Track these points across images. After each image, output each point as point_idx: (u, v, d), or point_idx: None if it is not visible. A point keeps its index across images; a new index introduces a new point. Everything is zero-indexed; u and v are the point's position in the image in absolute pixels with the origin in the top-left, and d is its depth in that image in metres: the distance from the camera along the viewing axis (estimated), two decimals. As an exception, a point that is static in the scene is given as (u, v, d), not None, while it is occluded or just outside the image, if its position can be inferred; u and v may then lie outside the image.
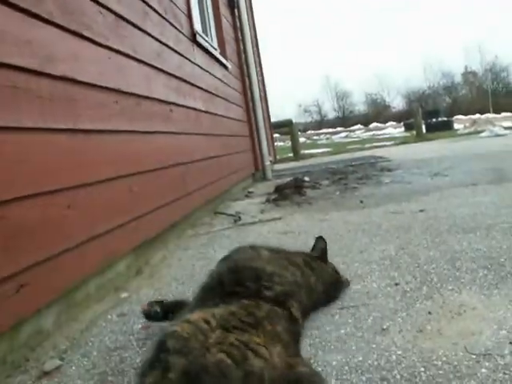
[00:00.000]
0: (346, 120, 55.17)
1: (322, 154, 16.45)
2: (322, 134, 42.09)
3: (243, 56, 7.92)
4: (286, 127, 14.73)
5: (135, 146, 3.07)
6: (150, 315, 2.00)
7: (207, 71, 5.41)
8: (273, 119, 14.38)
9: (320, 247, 2.20)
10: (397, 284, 2.18)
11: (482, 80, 55.55)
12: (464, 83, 58.17)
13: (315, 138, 39.27)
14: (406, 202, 4.25)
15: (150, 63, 3.47)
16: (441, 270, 2.29)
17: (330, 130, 44.10)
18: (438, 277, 2.20)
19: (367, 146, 18.96)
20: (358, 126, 44.01)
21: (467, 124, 28.70)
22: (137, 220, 2.92)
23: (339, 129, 44.40)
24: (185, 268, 2.92)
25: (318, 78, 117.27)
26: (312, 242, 3.14)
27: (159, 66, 3.67)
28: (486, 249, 2.51)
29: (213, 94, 5.60)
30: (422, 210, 3.70)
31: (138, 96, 3.19)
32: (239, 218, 4.30)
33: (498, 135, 12.51)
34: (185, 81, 4.39)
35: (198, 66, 5.00)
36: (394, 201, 4.37)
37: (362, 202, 4.55)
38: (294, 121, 15.69)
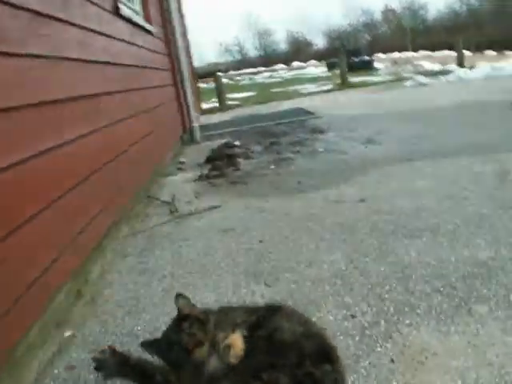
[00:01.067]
0: (268, 59, 54.59)
1: (247, 100, 16.28)
2: (244, 74, 41.57)
3: (166, 15, 7.52)
4: (211, 77, 14.38)
5: (65, 159, 2.82)
6: (100, 365, 1.82)
7: (133, 43, 5.07)
8: (194, 61, 13.98)
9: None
10: (353, 316, 2.15)
11: (400, 17, 56.10)
12: (383, 20, 58.64)
13: (238, 78, 38.74)
14: (344, 183, 4.24)
15: (73, 58, 3.18)
16: (394, 294, 2.28)
17: (253, 69, 43.65)
18: (394, 305, 2.18)
19: (291, 89, 18.93)
20: (281, 65, 43.81)
21: (388, 64, 29.19)
22: (74, 241, 2.74)
23: (262, 68, 44.03)
24: (127, 288, 2.78)
25: (238, 15, 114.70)
26: (256, 246, 3.11)
27: (84, 57, 3.38)
28: (436, 262, 2.53)
29: (139, 66, 5.29)
30: (362, 200, 3.69)
31: (62, 101, 2.90)
32: (176, 209, 4.14)
33: (421, 84, 12.75)
34: (110, 63, 4.09)
35: (124, 40, 4.67)
36: (332, 182, 4.34)
37: (299, 183, 4.49)
38: (215, 60, 15.46)
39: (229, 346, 1.60)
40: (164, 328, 1.92)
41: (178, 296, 1.84)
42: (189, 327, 1.75)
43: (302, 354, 1.52)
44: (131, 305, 2.56)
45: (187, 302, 1.84)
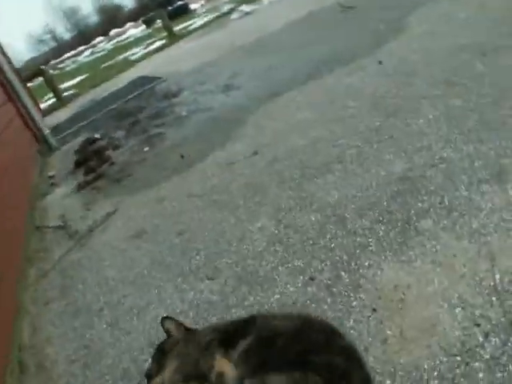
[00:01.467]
0: (84, 36, 52.07)
1: (82, 85, 15.43)
2: (66, 59, 39.42)
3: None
4: (37, 75, 13.43)
5: None
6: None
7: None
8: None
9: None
10: (312, 279, 2.07)
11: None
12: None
13: (61, 65, 36.68)
14: (228, 141, 4.10)
15: None
16: (339, 240, 2.23)
17: (73, 52, 41.42)
18: (344, 252, 2.14)
19: (120, 58, 18.20)
20: (99, 38, 41.95)
21: (203, 2, 28.88)
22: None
23: (81, 48, 41.81)
24: (69, 338, 2.49)
25: (41, 2, 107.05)
26: (176, 240, 2.93)
27: None
28: (360, 193, 2.51)
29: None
30: (255, 153, 3.58)
31: None
32: (74, 231, 3.78)
33: (247, 13, 12.68)
34: None
35: None
36: (214, 144, 4.17)
37: (183, 156, 4.29)
38: (31, 55, 14.38)
39: (221, 374, 1.48)
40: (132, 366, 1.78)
41: (163, 319, 1.75)
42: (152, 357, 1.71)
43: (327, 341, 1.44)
44: (84, 355, 2.31)
45: (172, 324, 1.74)
